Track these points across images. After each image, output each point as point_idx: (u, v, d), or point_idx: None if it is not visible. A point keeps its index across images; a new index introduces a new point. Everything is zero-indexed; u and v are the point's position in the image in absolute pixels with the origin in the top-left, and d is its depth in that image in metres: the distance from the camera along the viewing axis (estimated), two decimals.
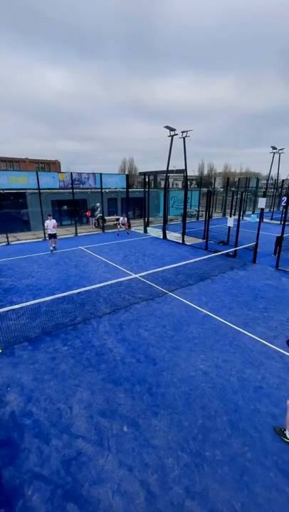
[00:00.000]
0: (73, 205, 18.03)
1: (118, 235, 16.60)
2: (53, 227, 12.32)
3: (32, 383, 4.48)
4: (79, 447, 3.42)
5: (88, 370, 4.79)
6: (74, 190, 16.74)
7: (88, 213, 19.95)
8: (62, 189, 17.62)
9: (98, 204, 19.02)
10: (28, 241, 15.10)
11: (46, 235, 13.41)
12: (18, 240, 15.38)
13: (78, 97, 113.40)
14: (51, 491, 2.94)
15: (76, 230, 16.88)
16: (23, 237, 15.86)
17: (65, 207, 20.03)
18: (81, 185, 18.25)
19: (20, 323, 6.32)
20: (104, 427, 3.68)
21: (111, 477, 3.08)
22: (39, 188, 15.33)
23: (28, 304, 5.83)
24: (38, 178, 15.22)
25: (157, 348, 5.39)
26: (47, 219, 12.63)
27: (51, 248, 12.68)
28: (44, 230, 15.46)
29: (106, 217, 19.38)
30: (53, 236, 12.57)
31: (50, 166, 53.09)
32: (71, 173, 16.95)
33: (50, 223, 12.37)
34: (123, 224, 16.99)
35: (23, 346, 5.46)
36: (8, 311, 5.74)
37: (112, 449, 3.39)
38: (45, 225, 12.83)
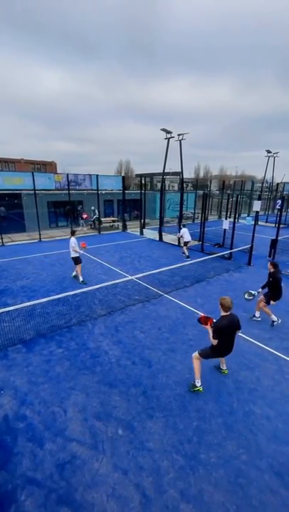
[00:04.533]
0: (70, 207, 17.97)
1: (188, 256, 11.66)
2: (83, 247, 8.85)
3: (26, 386, 4.42)
4: (73, 451, 3.38)
5: (83, 372, 4.75)
6: (70, 192, 16.69)
7: (86, 216, 19.58)
8: (59, 190, 17.54)
9: (93, 207, 19.00)
10: (23, 242, 14.98)
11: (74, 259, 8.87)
12: (13, 240, 15.25)
13: (76, 97, 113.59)
14: (45, 496, 2.90)
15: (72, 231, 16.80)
16: (18, 238, 15.74)
17: (62, 208, 19.93)
18: (77, 187, 18.19)
19: (14, 325, 6.25)
20: (99, 430, 3.66)
21: (105, 481, 3.05)
22: (35, 189, 15.24)
23: (22, 305, 5.77)
24: (33, 179, 15.14)
25: (153, 350, 5.38)
26: (72, 236, 8.79)
27: (74, 275, 9.17)
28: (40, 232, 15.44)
29: (102, 219, 19.35)
30: (76, 260, 8.78)
31: (46, 166, 52.90)
32: (67, 174, 16.89)
33: (78, 242, 8.73)
34: (185, 243, 11.89)
35: (17, 349, 5.40)
36: (1, 313, 5.67)
37: (107, 453, 3.36)
38: (73, 243, 8.57)
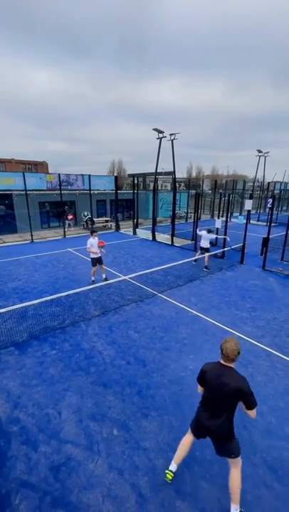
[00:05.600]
0: (61, 207, 17.79)
1: (195, 261, 10.57)
2: (100, 246, 8.43)
3: (19, 389, 4.37)
4: (68, 453, 3.35)
5: (77, 373, 4.72)
6: (62, 192, 16.55)
7: (71, 217, 18.69)
8: (50, 190, 17.37)
9: (86, 213, 18.88)
10: (14, 243, 14.78)
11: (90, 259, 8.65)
12: (4, 242, 15.03)
13: (67, 97, 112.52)
14: (39, 499, 2.87)
15: (64, 232, 16.68)
16: (9, 240, 15.52)
17: (54, 209, 19.62)
18: (69, 187, 18.06)
19: (6, 327, 6.16)
20: (94, 431, 3.64)
21: (101, 481, 3.04)
22: (26, 190, 15.06)
23: (14, 307, 5.68)
24: (24, 179, 14.96)
25: (147, 350, 5.39)
26: (91, 236, 8.40)
27: (93, 279, 8.66)
28: (31, 233, 15.22)
29: (95, 219, 19.26)
30: (98, 261, 8.54)
31: (38, 167, 52.30)
32: (59, 174, 16.75)
33: (95, 242, 8.38)
34: (205, 249, 10.25)
35: (9, 351, 5.33)
36: None
37: (102, 453, 3.35)
38: (88, 244, 8.37)
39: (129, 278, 8.19)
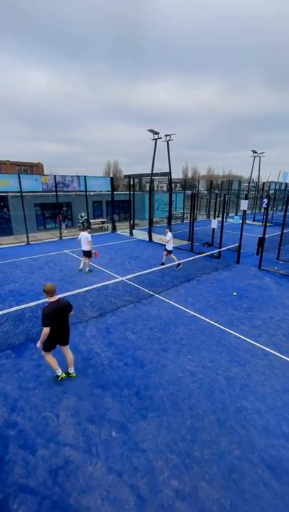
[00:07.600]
0: (57, 209, 17.70)
1: (164, 263, 10.31)
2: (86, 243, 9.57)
3: (16, 392, 4.33)
4: (66, 455, 3.34)
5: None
6: (58, 193, 16.47)
7: (58, 218, 17.54)
8: (46, 192, 17.27)
9: (83, 214, 18.75)
10: (10, 245, 14.68)
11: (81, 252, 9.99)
12: (0, 244, 14.92)
13: (62, 98, 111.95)
14: (38, 503, 2.84)
15: (61, 233, 16.60)
16: (5, 242, 15.41)
17: (50, 210, 19.48)
18: (65, 188, 17.98)
19: (2, 330, 6.11)
20: (93, 433, 3.62)
21: (100, 484, 3.03)
22: (21, 191, 14.97)
23: (10, 310, 5.64)
24: (20, 181, 14.86)
25: (145, 351, 5.38)
26: (81, 231, 9.79)
27: (81, 267, 10.05)
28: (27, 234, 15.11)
29: (91, 220, 19.20)
30: (86, 254, 9.80)
31: (33, 168, 51.99)
32: (54, 175, 16.68)
33: (83, 236, 9.58)
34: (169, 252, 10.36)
35: (6, 354, 5.28)
36: None
37: (101, 456, 3.34)
38: (78, 238, 9.84)
39: (126, 279, 8.18)
